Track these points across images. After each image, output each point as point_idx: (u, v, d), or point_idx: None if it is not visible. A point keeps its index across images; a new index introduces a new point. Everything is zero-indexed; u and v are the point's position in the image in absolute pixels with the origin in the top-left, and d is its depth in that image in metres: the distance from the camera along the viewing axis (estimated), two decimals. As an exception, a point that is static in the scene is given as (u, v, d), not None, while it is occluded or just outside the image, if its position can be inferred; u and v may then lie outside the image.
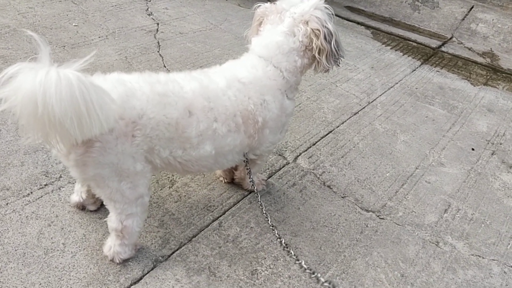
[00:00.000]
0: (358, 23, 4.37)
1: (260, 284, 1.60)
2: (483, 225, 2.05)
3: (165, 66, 2.98)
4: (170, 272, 1.58)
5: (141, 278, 1.55)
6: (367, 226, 1.94)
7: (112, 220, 1.48)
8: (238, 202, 1.95)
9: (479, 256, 1.88)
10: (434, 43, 4.14)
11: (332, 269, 1.71)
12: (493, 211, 2.15)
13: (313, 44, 1.55)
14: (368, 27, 4.32)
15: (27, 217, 1.70)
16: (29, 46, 2.88)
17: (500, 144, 2.72)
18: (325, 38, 1.54)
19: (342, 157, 2.38)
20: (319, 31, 1.52)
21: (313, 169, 2.24)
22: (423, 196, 2.18)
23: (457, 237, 1.96)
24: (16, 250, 1.56)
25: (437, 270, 1.78)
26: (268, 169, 2.19)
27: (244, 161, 1.71)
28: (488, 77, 3.61)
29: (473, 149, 2.61)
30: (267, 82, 1.59)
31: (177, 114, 1.37)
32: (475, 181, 2.35)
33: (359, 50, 3.75)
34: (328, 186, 2.14)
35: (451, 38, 4.32)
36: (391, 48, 3.92)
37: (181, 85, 1.43)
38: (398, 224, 1.98)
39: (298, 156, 2.33)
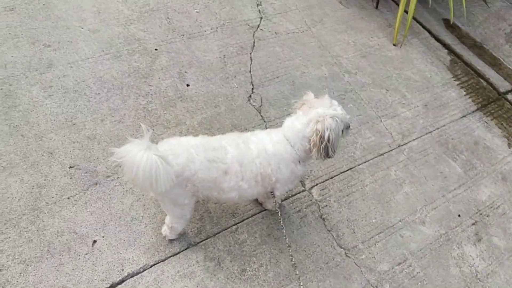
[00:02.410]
0: (444, 44, 4.66)
1: (245, 280, 2.63)
2: (419, 283, 2.83)
3: (250, 72, 3.80)
4: (195, 254, 2.66)
5: (178, 253, 2.64)
6: (333, 259, 2.83)
7: (167, 221, 2.55)
8: (255, 215, 2.91)
9: (399, 305, 2.71)
10: (504, 86, 4.37)
11: (293, 284, 2.67)
12: (435, 275, 2.89)
13: (311, 139, 2.29)
14: (451, 52, 4.60)
15: (127, 191, 2.83)
16: (160, 31, 3.82)
17: (487, 216, 3.29)
18: (321, 137, 2.23)
19: (347, 195, 3.18)
20: (318, 131, 2.23)
21: (319, 201, 3.09)
22: (390, 247, 2.96)
23: (393, 287, 2.78)
24: (116, 214, 2.71)
25: (362, 306, 2.67)
26: (288, 192, 3.09)
27: (271, 193, 2.51)
28: (535, 139, 3.89)
29: (459, 215, 3.24)
30: (284, 155, 2.33)
31: (217, 175, 2.29)
32: (439, 245, 3.05)
33: (425, 81, 4.19)
34: (323, 219, 3.00)
35: (528, 83, 4.46)
36: (458, 84, 4.28)
37: (226, 151, 2.30)
38: (356, 264, 2.83)
39: (314, 186, 3.17)
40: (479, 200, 3.37)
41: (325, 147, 2.23)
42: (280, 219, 2.45)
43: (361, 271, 2.80)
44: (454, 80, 4.30)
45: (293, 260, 2.37)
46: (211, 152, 2.23)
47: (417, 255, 2.96)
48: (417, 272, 2.87)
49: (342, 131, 2.33)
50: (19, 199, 2.63)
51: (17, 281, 2.35)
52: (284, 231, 2.43)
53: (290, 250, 2.40)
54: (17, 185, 2.68)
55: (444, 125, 3.84)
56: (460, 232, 3.15)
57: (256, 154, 2.29)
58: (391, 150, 3.54)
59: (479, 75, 4.43)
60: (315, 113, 2.27)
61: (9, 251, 2.44)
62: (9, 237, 2.49)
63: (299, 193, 3.10)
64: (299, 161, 2.37)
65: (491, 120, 4.02)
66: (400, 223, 3.10)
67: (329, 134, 2.20)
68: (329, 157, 2.32)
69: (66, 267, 2.45)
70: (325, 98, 2.35)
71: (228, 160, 2.24)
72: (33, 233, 2.53)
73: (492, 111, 4.11)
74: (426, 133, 3.74)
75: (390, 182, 3.32)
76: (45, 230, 2.55)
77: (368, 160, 3.42)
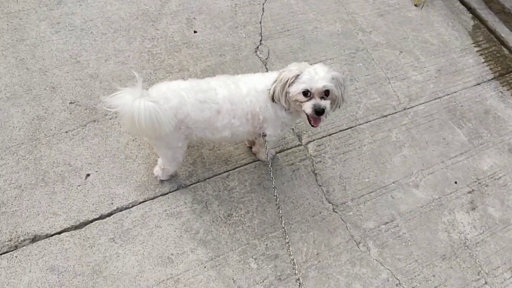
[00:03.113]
0: (469, 8, 4.45)
1: (230, 225, 2.69)
2: (404, 243, 2.85)
3: (260, 23, 3.75)
4: (184, 196, 2.73)
5: (167, 193, 2.72)
6: (320, 213, 2.86)
7: (160, 162, 2.62)
8: (247, 164, 2.95)
9: (379, 263, 2.75)
10: (527, 56, 4.19)
11: (277, 232, 2.73)
12: (422, 237, 2.90)
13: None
14: (475, 16, 4.40)
15: (123, 130, 2.90)
16: None
17: (486, 186, 3.23)
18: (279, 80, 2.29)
19: (343, 153, 3.17)
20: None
21: (314, 156, 3.10)
22: (379, 207, 2.97)
23: (377, 245, 2.81)
24: (111, 151, 2.80)
25: (342, 260, 2.72)
26: (283, 145, 3.10)
27: (263, 137, 2.52)
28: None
29: (456, 182, 3.20)
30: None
31: (210, 114, 2.30)
32: (430, 209, 3.03)
33: (442, 45, 4.04)
34: (315, 174, 3.02)
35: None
36: (477, 51, 4.12)
37: (216, 92, 2.31)
38: (343, 220, 2.86)
39: (311, 141, 3.17)
40: (479, 170, 3.30)
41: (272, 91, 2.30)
42: (270, 170, 2.48)
43: (346, 226, 2.83)
44: (474, 46, 4.14)
45: (280, 210, 2.41)
46: (201, 94, 2.27)
47: (405, 216, 2.96)
48: (403, 233, 2.88)
49: (308, 91, 2.22)
50: (19, 129, 2.73)
51: (11, 204, 2.49)
52: (274, 182, 2.45)
53: (277, 200, 2.42)
54: (19, 116, 2.78)
55: (455, 92, 3.73)
56: (454, 198, 3.12)
57: (246, 92, 2.33)
58: (396, 112, 3.48)
59: (502, 43, 4.24)
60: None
61: (6, 176, 2.57)
62: (7, 163, 2.61)
63: (295, 147, 3.11)
64: (285, 109, 2.38)
65: (508, 90, 3.87)
66: (393, 184, 3.09)
67: (276, 79, 2.28)
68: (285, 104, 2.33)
69: (59, 196, 2.57)
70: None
71: (220, 100, 2.29)
72: (30, 162, 2.64)
73: (510, 81, 3.95)
74: (435, 98, 3.64)
75: (389, 144, 3.29)
76: (42, 160, 2.66)
77: (370, 121, 3.38)
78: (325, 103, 2.23)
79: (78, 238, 2.47)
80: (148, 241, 2.53)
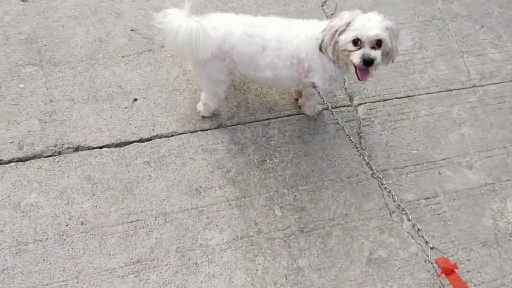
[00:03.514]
0: None
1: (262, 170, 2.68)
2: (442, 222, 2.68)
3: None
4: (222, 135, 2.75)
5: (206, 130, 2.76)
6: (357, 175, 2.76)
7: (202, 97, 2.65)
8: (291, 115, 2.90)
9: (411, 235, 2.61)
10: None
11: (308, 186, 2.68)
12: (464, 219, 2.70)
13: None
14: None
15: (176, 63, 2.94)
16: None
17: (551, 181, 2.93)
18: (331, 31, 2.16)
19: (395, 121, 3.01)
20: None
21: (362, 119, 2.97)
22: (422, 181, 2.80)
23: (412, 218, 2.66)
24: (160, 81, 2.86)
25: (371, 225, 2.61)
26: (332, 103, 3.00)
27: (313, 87, 2.41)
28: None
29: (515, 171, 2.93)
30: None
31: (255, 50, 2.27)
32: (480, 193, 2.81)
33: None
34: (360, 136, 2.90)
35: None
36: None
37: (265, 29, 2.26)
38: (380, 188, 2.74)
39: (362, 104, 3.04)
40: (547, 163, 2.99)
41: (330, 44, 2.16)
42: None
43: (382, 193, 2.71)
44: None
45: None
46: (250, 28, 2.24)
47: (450, 195, 2.77)
48: (443, 211, 2.71)
49: (358, 40, 2.09)
50: (81, 47, 2.88)
51: (62, 114, 2.65)
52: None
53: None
54: (83, 35, 2.92)
55: (537, 77, 3.37)
56: (509, 187, 2.87)
57: (295, 35, 2.25)
58: (462, 88, 3.22)
59: None
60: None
61: (62, 88, 2.73)
62: (65, 77, 2.77)
63: (344, 106, 3.00)
64: (333, 61, 2.27)
65: None
66: (443, 161, 2.89)
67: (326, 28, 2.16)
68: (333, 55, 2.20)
69: (106, 114, 2.69)
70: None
71: (267, 37, 2.24)
72: (86, 78, 2.78)
73: None
74: (510, 80, 3.32)
75: (448, 119, 3.06)
76: (96, 78, 2.79)
77: (432, 93, 3.16)
78: (376, 53, 2.08)
79: (117, 155, 2.58)
80: (180, 170, 2.59)
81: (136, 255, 2.34)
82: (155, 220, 2.44)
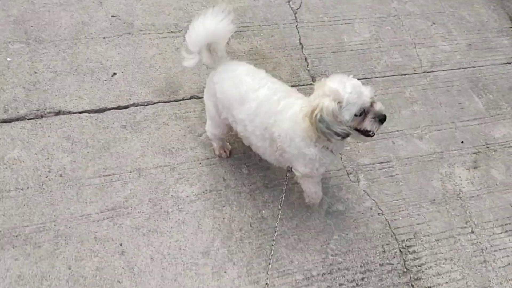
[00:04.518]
0: (515, -4, 4.42)
1: (231, 135, 2.91)
2: (395, 182, 2.91)
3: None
4: (194, 105, 3.00)
5: (180, 100, 3.01)
6: (317, 142, 3.01)
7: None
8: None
9: (366, 193, 2.84)
10: None
11: (273, 149, 2.91)
12: (414, 181, 2.94)
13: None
14: (520, 4, 4.37)
15: (153, 45, 3.22)
16: None
17: (494, 151, 3.22)
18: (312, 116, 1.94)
19: (353, 98, 3.29)
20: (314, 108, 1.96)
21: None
22: (377, 148, 3.04)
23: (367, 179, 2.89)
24: (138, 59, 3.13)
25: (330, 183, 2.85)
26: (296, 82, 3.28)
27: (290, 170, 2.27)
28: None
29: (462, 142, 3.21)
30: (295, 127, 2.06)
31: (235, 97, 2.19)
32: (430, 160, 3.07)
33: (478, 24, 4.04)
34: (321, 110, 3.17)
35: None
36: (516, 35, 4.09)
37: (257, 88, 2.16)
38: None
39: (323, 83, 3.33)
40: (490, 136, 3.29)
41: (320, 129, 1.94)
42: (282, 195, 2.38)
43: (341, 157, 2.96)
44: (513, 31, 4.11)
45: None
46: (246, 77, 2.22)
47: (402, 161, 3.04)
48: (396, 174, 2.97)
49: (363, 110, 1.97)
50: (65, 28, 3.15)
51: (45, 83, 2.88)
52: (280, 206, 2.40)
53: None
54: (67, 19, 3.20)
55: (482, 66, 3.74)
56: (457, 155, 3.14)
57: (279, 109, 2.10)
58: (415, 73, 3.56)
59: (544, 31, 4.16)
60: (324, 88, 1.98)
61: (45, 62, 2.97)
62: (49, 53, 3.02)
63: (307, 85, 3.29)
64: (314, 143, 2.07)
65: (539, 73, 3.81)
66: (396, 132, 3.17)
67: (320, 114, 1.89)
68: (339, 136, 1.98)
69: (86, 85, 2.93)
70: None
71: (253, 95, 2.14)
72: (68, 54, 3.03)
73: (544, 65, 3.88)
74: (459, 68, 3.68)
75: (401, 98, 3.37)
76: (78, 55, 3.05)
77: (387, 76, 3.49)
78: (378, 106, 2.01)
79: (95, 119, 2.81)
80: (154, 134, 2.82)
81: (111, 203, 2.52)
82: (130, 174, 2.64)
